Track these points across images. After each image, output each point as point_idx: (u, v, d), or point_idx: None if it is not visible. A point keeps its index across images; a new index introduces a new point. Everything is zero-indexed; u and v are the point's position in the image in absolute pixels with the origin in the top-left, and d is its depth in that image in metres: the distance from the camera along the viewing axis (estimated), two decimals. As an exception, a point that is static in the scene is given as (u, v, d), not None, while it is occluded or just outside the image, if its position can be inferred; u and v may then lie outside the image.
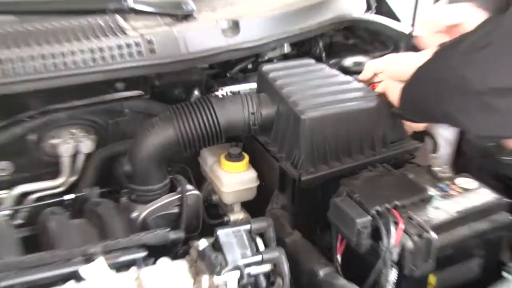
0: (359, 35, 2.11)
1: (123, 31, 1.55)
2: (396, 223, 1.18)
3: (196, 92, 1.83)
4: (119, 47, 1.52)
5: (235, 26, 1.70)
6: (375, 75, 1.55)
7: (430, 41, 1.46)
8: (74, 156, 1.65)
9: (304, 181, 1.39)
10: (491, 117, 1.07)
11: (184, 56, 1.59)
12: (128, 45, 1.53)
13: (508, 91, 1.03)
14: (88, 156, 1.66)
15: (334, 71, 1.61)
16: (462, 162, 1.77)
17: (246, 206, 1.64)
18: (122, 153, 1.59)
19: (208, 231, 1.36)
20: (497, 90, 1.04)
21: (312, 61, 1.67)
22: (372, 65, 1.56)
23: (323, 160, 1.42)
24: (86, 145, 1.65)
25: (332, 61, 1.87)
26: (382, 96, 1.46)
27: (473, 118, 1.10)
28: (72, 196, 1.53)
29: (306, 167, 1.40)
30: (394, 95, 1.40)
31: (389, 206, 1.22)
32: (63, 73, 1.47)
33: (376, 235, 1.19)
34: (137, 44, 1.54)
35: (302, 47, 2.05)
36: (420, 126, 1.55)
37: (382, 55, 1.75)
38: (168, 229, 1.30)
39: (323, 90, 1.49)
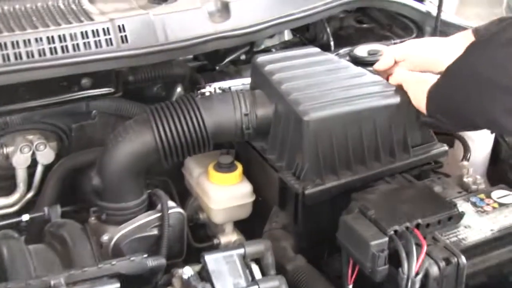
0: (375, 18, 2.14)
1: (88, 16, 1.58)
2: (418, 246, 1.20)
3: (178, 89, 1.86)
4: (84, 35, 1.54)
5: (224, 8, 1.72)
6: (395, 63, 1.58)
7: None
8: (31, 168, 1.67)
9: (309, 195, 1.41)
10: None
11: (163, 46, 1.61)
12: (95, 33, 1.55)
13: None
14: (48, 167, 1.68)
15: (344, 62, 1.64)
16: (499, 171, 1.80)
17: (240, 226, 1.66)
18: (89, 163, 1.61)
19: (195, 257, 1.38)
20: None
21: (317, 50, 1.69)
22: (392, 52, 1.58)
23: (331, 170, 1.45)
24: (45, 154, 1.66)
25: (342, 50, 1.89)
26: (402, 91, 1.48)
27: None
28: (28, 216, 1.55)
29: (310, 178, 1.42)
30: (413, 89, 1.43)
31: (410, 225, 1.24)
32: (15, 67, 1.49)
33: (394, 260, 1.21)
34: (105, 32, 1.56)
35: (306, 33, 2.08)
36: None
37: (403, 42, 1.79)
38: (146, 255, 1.32)
39: (330, 85, 1.51)
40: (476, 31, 1.51)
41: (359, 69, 1.60)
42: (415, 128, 1.51)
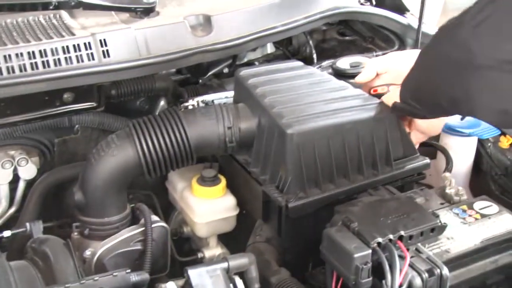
0: (357, 30, 2.16)
1: (69, 31, 1.58)
2: (402, 257, 1.21)
3: (162, 103, 1.86)
4: (65, 49, 1.54)
5: (206, 22, 1.73)
6: (377, 76, 1.59)
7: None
8: (13, 183, 1.66)
9: (292, 209, 1.41)
10: (499, 95, 1.13)
11: (145, 60, 1.62)
12: (76, 47, 1.55)
13: None
14: (30, 183, 1.68)
15: (326, 76, 1.65)
16: (481, 182, 1.81)
17: (225, 239, 1.66)
18: (72, 178, 1.60)
19: (179, 271, 1.37)
20: (506, 63, 1.09)
21: (299, 63, 1.70)
22: (374, 65, 1.60)
23: (315, 183, 1.45)
24: (27, 169, 1.66)
25: (324, 63, 1.91)
26: (384, 104, 1.49)
27: (481, 101, 1.15)
28: (9, 232, 1.53)
29: (294, 191, 1.43)
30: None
31: (393, 237, 1.24)
32: (-4, 82, 1.49)
33: (378, 272, 1.21)
34: (87, 46, 1.56)
35: (289, 46, 2.09)
36: (431, 131, 1.57)
37: (385, 54, 1.80)
38: (129, 270, 1.31)
39: (313, 98, 1.52)
40: None
41: (342, 83, 1.61)
42: (398, 141, 1.52)
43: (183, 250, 1.68)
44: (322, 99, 1.52)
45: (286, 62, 1.72)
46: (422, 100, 1.35)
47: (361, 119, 1.48)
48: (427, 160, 1.56)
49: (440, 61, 1.22)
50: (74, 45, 1.56)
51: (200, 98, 1.72)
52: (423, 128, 1.54)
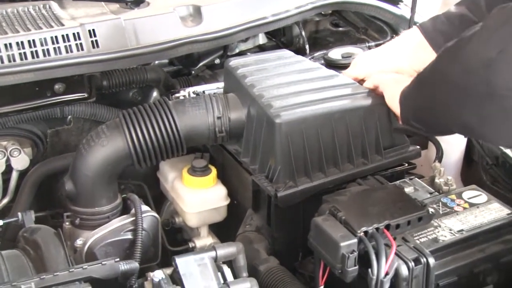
0: (351, 21, 2.15)
1: (58, 21, 1.58)
2: (388, 246, 1.21)
3: (154, 94, 1.86)
4: (54, 40, 1.54)
5: (196, 12, 1.73)
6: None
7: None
8: (6, 173, 1.66)
9: (282, 198, 1.41)
10: None
11: (134, 50, 1.62)
12: (65, 38, 1.55)
13: None
14: (23, 173, 1.68)
15: (316, 64, 1.64)
16: (473, 172, 1.81)
17: (216, 229, 1.66)
18: (64, 169, 1.60)
19: (171, 261, 1.38)
20: None
21: (289, 53, 1.69)
22: (354, 74, 1.59)
23: (304, 172, 1.45)
24: (20, 160, 1.66)
25: (316, 54, 1.90)
26: (374, 93, 1.49)
27: (495, 126, 1.14)
28: (1, 222, 1.54)
29: (283, 180, 1.43)
30: (389, 91, 1.43)
31: (379, 226, 1.24)
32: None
33: (364, 260, 1.21)
34: (76, 36, 1.56)
35: (283, 37, 2.08)
36: None
37: (378, 45, 1.80)
38: (118, 259, 1.32)
39: (302, 87, 1.51)
40: (422, 28, 1.54)
41: (331, 71, 1.60)
42: (388, 130, 1.51)
43: (175, 240, 1.68)
44: (311, 87, 1.51)
45: (276, 52, 1.71)
46: (426, 121, 1.34)
47: (350, 107, 1.47)
48: (418, 149, 1.55)
49: (449, 85, 1.19)
50: (63, 36, 1.56)
51: (191, 89, 1.72)
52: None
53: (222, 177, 1.61)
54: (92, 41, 1.58)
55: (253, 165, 1.50)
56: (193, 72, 1.95)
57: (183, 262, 1.26)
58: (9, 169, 1.67)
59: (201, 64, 1.91)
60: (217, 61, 1.94)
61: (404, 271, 1.20)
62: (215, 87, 1.73)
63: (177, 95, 1.69)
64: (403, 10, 2.07)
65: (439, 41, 1.49)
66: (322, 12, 2.05)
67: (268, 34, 2.03)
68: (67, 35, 1.56)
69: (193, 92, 1.68)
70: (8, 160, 1.65)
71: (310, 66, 1.63)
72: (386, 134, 1.51)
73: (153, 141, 1.46)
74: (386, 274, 1.19)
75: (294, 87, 1.51)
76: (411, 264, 1.20)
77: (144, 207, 1.52)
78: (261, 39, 1.98)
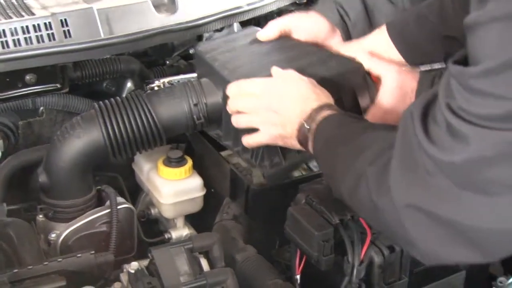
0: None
1: (29, 10, 1.56)
2: (364, 234, 1.22)
3: (129, 84, 1.85)
4: (25, 30, 1.53)
5: (170, 2, 1.72)
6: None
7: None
8: (-24, 166, 1.64)
9: (270, 176, 1.41)
10: None
11: (107, 40, 1.60)
12: (36, 28, 1.54)
13: None
14: (-5, 166, 1.66)
15: (284, 38, 1.56)
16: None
17: (194, 219, 1.66)
18: (37, 161, 1.59)
19: (147, 253, 1.38)
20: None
21: (256, 29, 1.64)
22: (276, 23, 1.55)
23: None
24: (-9, 152, 1.64)
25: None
26: (349, 58, 1.45)
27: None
28: (-28, 216, 1.53)
29: (269, 158, 1.40)
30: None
31: (355, 215, 1.24)
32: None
33: (340, 249, 1.22)
34: (47, 26, 1.55)
35: (257, 26, 2.08)
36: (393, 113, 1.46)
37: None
38: (93, 252, 1.31)
39: (273, 60, 1.45)
40: (390, 27, 1.49)
41: (299, 42, 1.54)
42: (366, 93, 1.43)
43: (152, 232, 1.68)
44: (283, 60, 1.45)
45: (243, 30, 1.70)
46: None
47: (325, 76, 1.39)
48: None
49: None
50: (34, 25, 1.54)
51: (166, 79, 1.72)
52: (386, 107, 1.43)
53: (201, 167, 1.61)
54: (64, 31, 1.56)
55: (236, 147, 1.47)
56: (167, 62, 1.94)
57: (159, 254, 1.26)
58: (-21, 162, 1.65)
59: (175, 54, 1.90)
60: (192, 51, 1.93)
61: (379, 258, 1.21)
62: (190, 77, 1.73)
63: (152, 85, 1.68)
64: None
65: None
66: (297, 1, 2.04)
67: (243, 24, 2.02)
68: (38, 24, 1.54)
69: (168, 82, 1.68)
70: (-22, 153, 1.64)
71: (280, 39, 1.56)
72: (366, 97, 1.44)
73: (128, 133, 1.45)
74: (361, 262, 1.20)
75: (265, 61, 1.46)
76: (386, 251, 1.22)
77: (119, 199, 1.52)
78: (236, 29, 1.98)
